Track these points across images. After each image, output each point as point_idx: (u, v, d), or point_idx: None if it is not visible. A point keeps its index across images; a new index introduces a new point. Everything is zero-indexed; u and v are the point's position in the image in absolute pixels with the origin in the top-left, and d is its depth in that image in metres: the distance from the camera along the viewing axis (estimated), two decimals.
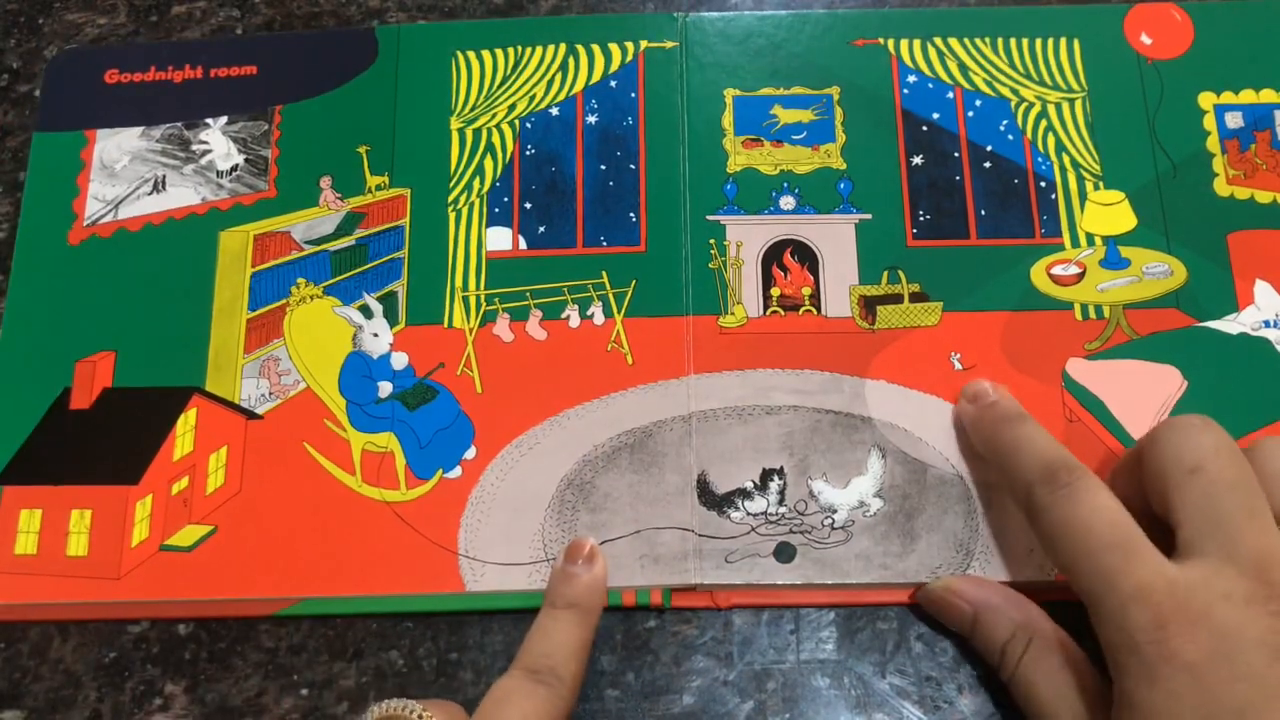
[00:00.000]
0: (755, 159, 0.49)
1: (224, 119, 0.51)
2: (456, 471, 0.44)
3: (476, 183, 0.49)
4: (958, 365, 0.45)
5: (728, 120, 0.49)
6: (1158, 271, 0.46)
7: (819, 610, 0.42)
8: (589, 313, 0.47)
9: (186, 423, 0.46)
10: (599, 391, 0.45)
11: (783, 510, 0.43)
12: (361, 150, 0.50)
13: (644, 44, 0.51)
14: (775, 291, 0.47)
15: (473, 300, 0.47)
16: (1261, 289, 0.46)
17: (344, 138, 0.50)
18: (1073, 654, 0.37)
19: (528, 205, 0.49)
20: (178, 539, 0.44)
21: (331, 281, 0.48)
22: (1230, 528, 0.34)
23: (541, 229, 0.48)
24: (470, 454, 0.44)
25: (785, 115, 0.50)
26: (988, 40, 0.50)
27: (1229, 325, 0.45)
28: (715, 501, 0.43)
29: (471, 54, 0.51)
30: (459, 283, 0.47)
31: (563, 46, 0.51)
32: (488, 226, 0.48)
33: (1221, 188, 0.48)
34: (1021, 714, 0.38)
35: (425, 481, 0.44)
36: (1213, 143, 0.48)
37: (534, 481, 0.44)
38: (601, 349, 0.46)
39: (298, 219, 0.49)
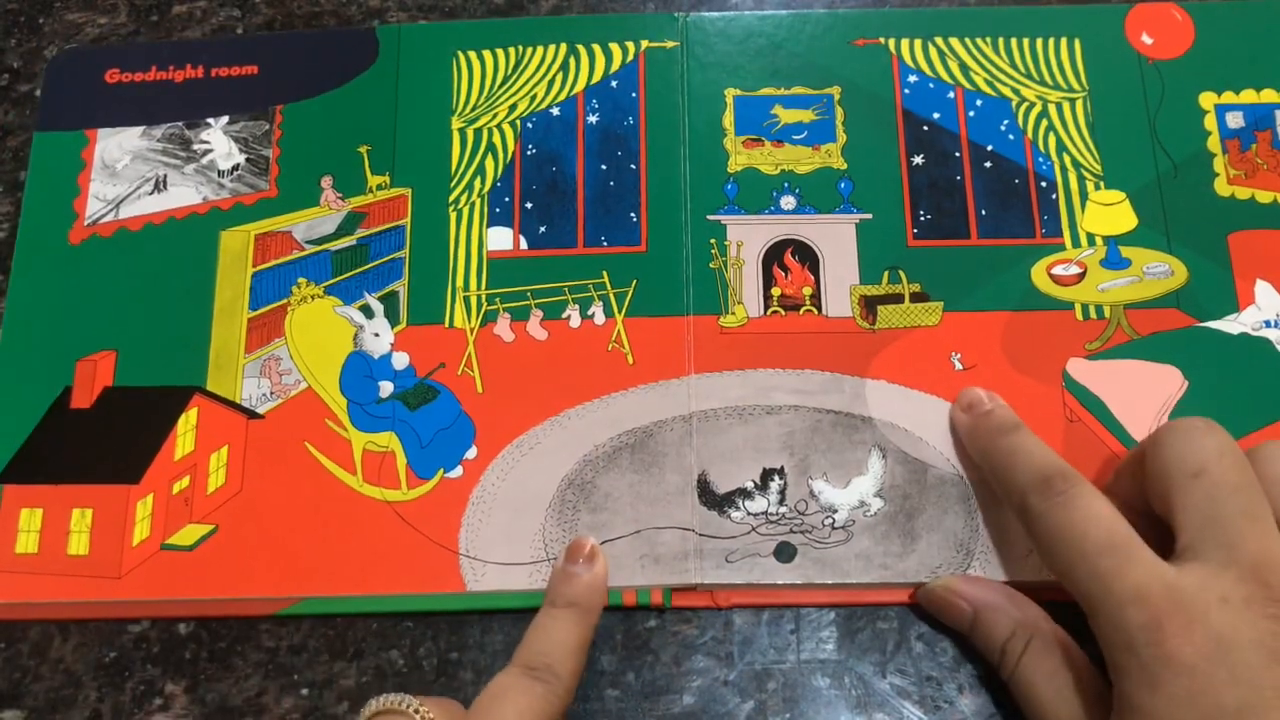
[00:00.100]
0: (756, 159, 0.49)
1: (225, 118, 0.51)
2: (457, 471, 0.44)
3: (477, 182, 0.49)
4: (958, 365, 0.45)
5: (728, 120, 0.49)
6: (1158, 271, 0.46)
7: (819, 610, 0.42)
8: (590, 313, 0.47)
9: (187, 422, 0.46)
10: (600, 391, 0.45)
11: (783, 510, 0.43)
12: (362, 150, 0.50)
13: (645, 44, 0.51)
14: (776, 291, 0.47)
15: (474, 300, 0.47)
16: (1262, 289, 0.46)
17: (345, 137, 0.50)
18: (1073, 654, 0.37)
19: (529, 205, 0.49)
20: (179, 538, 0.44)
21: (332, 281, 0.48)
22: (1231, 531, 0.34)
23: (542, 229, 0.48)
24: (471, 454, 0.44)
25: (786, 115, 0.50)
26: (989, 40, 0.50)
27: (1230, 325, 0.45)
28: (716, 501, 0.43)
29: (472, 54, 0.51)
30: (460, 283, 0.47)
31: (563, 46, 0.51)
32: (489, 226, 0.48)
33: (1222, 188, 0.48)
34: (1021, 713, 0.38)
35: (426, 481, 0.44)
36: (1213, 143, 0.48)
37: (535, 481, 0.44)
38: (602, 349, 0.46)
39: (299, 219, 0.49)
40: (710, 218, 0.48)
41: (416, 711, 0.35)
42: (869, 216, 0.48)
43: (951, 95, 0.50)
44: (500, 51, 0.51)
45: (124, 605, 0.43)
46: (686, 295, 0.47)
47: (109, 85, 0.52)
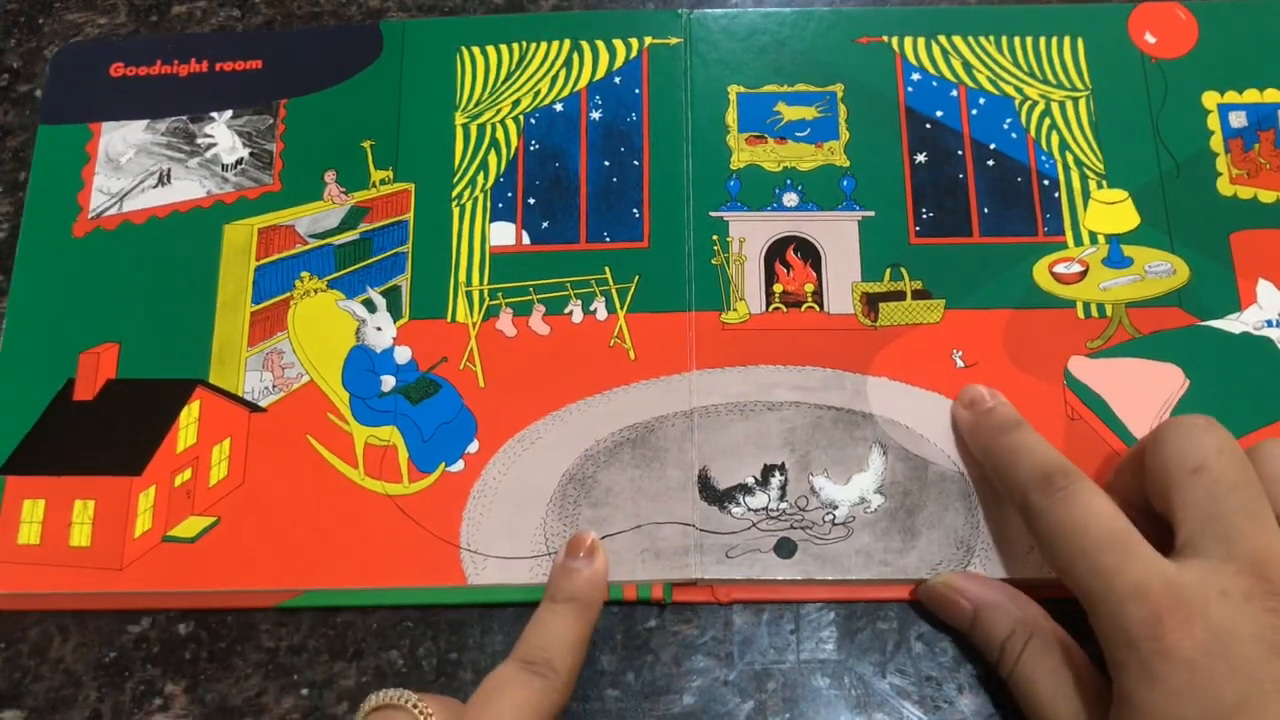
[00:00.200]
0: (759, 156, 0.49)
1: (229, 113, 0.51)
2: (459, 465, 0.44)
3: (480, 178, 0.49)
4: (959, 363, 0.45)
5: (731, 117, 0.49)
6: (1160, 270, 0.46)
7: (819, 610, 0.42)
8: (592, 308, 0.47)
9: (190, 415, 0.46)
10: (601, 386, 0.45)
11: (784, 506, 0.43)
12: (366, 145, 0.50)
13: (648, 40, 0.51)
14: (778, 288, 0.47)
15: (476, 295, 0.47)
16: (1264, 288, 0.46)
17: (348, 132, 0.50)
18: (1072, 652, 0.37)
19: (531, 200, 0.49)
20: (180, 530, 0.44)
21: (335, 275, 0.48)
22: (1231, 528, 0.34)
23: (545, 224, 0.48)
24: (472, 448, 0.45)
25: (789, 112, 0.50)
26: (992, 38, 0.50)
27: (1231, 324, 0.45)
28: (716, 497, 0.43)
29: (476, 49, 0.51)
30: (462, 277, 0.48)
31: (567, 42, 0.51)
32: (491, 221, 0.49)
33: (1225, 187, 0.48)
34: (1020, 712, 0.38)
35: (427, 475, 0.44)
36: (1216, 142, 0.48)
37: (536, 476, 0.44)
38: (604, 344, 0.46)
39: (302, 213, 0.49)
40: (713, 214, 0.48)
41: (415, 706, 0.35)
42: (871, 214, 0.48)
43: (954, 93, 0.50)
44: (504, 47, 0.51)
45: (125, 597, 0.43)
46: (689, 291, 0.47)
47: (113, 79, 0.52)
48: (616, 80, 0.50)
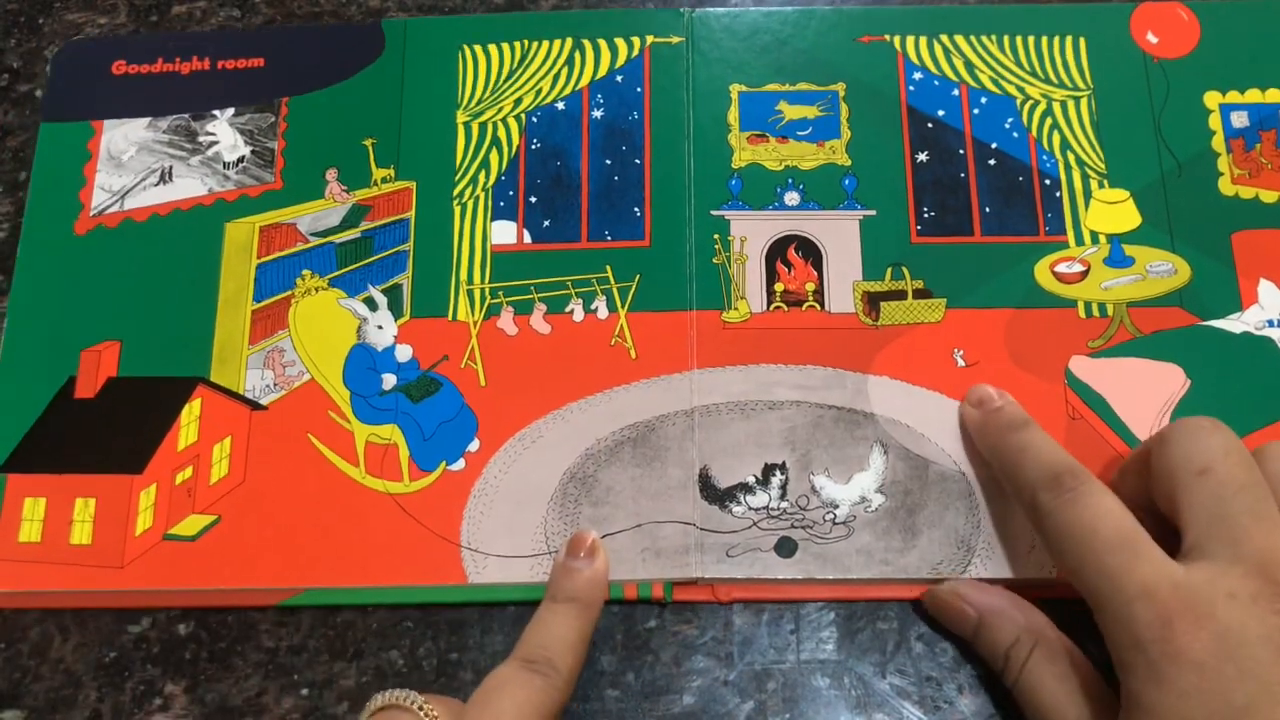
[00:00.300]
0: (760, 154, 0.49)
1: (231, 111, 0.51)
2: (459, 464, 0.44)
3: (482, 176, 0.49)
4: (960, 362, 0.45)
5: (733, 116, 0.49)
6: (1162, 270, 0.46)
7: (819, 610, 0.42)
8: (593, 307, 0.47)
9: (191, 413, 0.46)
10: (602, 385, 0.45)
11: (784, 505, 0.43)
12: (367, 143, 0.50)
13: (650, 39, 0.51)
14: (779, 287, 0.47)
15: (477, 293, 0.47)
16: (1265, 288, 0.46)
17: (350, 130, 0.50)
18: (1077, 660, 0.37)
19: (533, 199, 0.49)
20: (181, 528, 0.44)
21: (337, 274, 0.48)
22: (1237, 529, 0.34)
23: (546, 223, 0.48)
24: (473, 446, 0.45)
25: (790, 111, 0.50)
26: (994, 38, 0.50)
27: (1232, 324, 0.45)
28: (717, 496, 0.43)
29: (478, 48, 0.51)
30: (463, 276, 0.48)
31: (569, 41, 0.51)
32: (492, 220, 0.49)
33: (1226, 187, 0.48)
34: (1023, 717, 0.38)
35: (428, 473, 0.44)
36: (1218, 142, 0.48)
37: (536, 474, 0.44)
38: (605, 343, 0.46)
39: (303, 211, 0.49)
40: (714, 213, 0.48)
41: (420, 707, 0.35)
42: (873, 213, 0.48)
43: (956, 93, 0.50)
44: (505, 46, 0.51)
45: (126, 595, 0.43)
46: (690, 290, 0.47)
47: (115, 77, 0.52)
48: (618, 79, 0.50)
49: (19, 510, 0.44)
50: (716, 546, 0.42)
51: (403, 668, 0.42)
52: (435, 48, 0.51)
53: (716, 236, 0.48)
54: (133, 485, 0.44)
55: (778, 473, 0.44)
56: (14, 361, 0.47)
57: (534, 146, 0.50)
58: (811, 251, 0.48)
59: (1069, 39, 0.50)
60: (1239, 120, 0.49)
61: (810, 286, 0.47)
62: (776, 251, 0.48)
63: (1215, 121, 0.49)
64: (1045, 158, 0.49)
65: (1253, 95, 0.49)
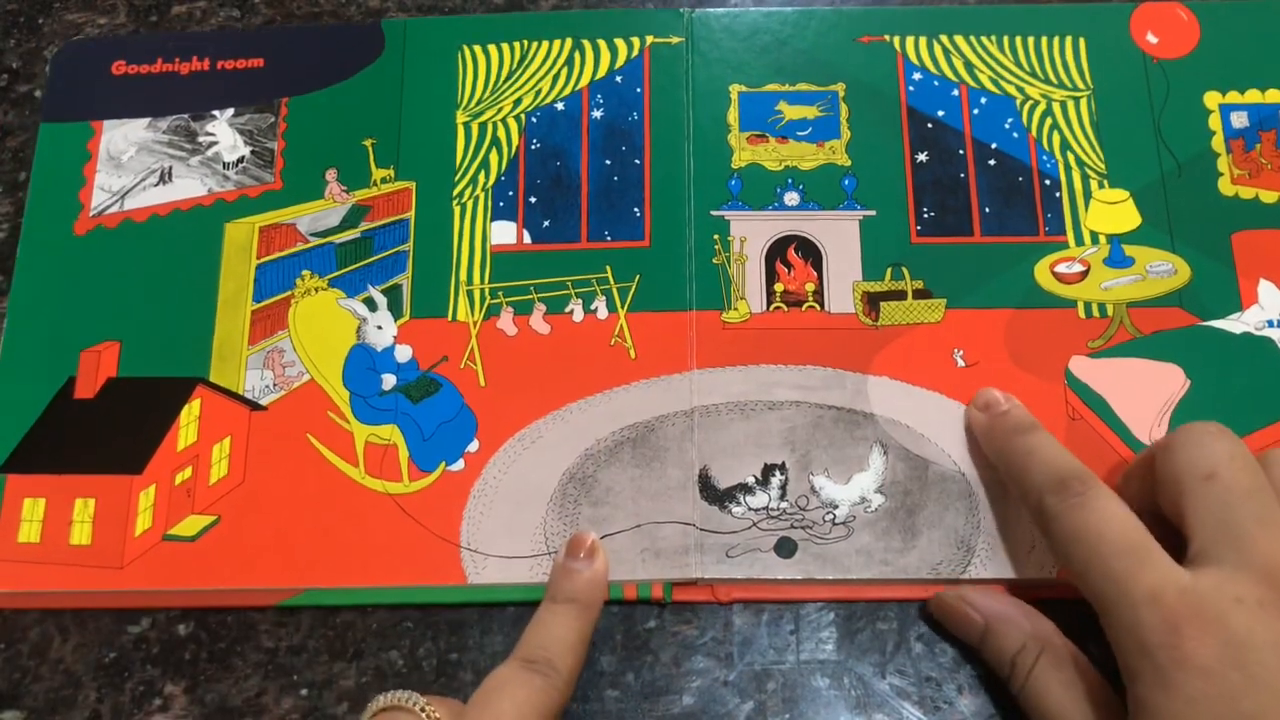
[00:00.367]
0: (760, 155, 0.49)
1: (230, 111, 0.51)
2: (459, 464, 0.44)
3: (481, 176, 0.49)
4: (960, 362, 0.45)
5: (733, 116, 0.49)
6: (1161, 270, 0.46)
7: (819, 610, 0.42)
8: (592, 307, 0.47)
9: (190, 413, 0.46)
10: (602, 386, 0.45)
11: (784, 505, 0.43)
12: (367, 143, 0.50)
13: (650, 39, 0.51)
14: (779, 287, 0.47)
15: (477, 294, 0.47)
16: (1265, 289, 0.46)
17: (350, 130, 0.50)
18: (1083, 667, 0.37)
19: (532, 199, 0.49)
20: (181, 529, 0.44)
21: (336, 274, 0.48)
22: (1244, 535, 0.33)
23: (546, 223, 0.48)
24: (473, 447, 0.45)
25: (790, 111, 0.50)
26: (993, 38, 0.50)
27: (1232, 325, 0.45)
28: (717, 496, 0.43)
29: (478, 48, 0.51)
30: (463, 276, 0.48)
31: (569, 41, 0.51)
32: (492, 220, 0.49)
33: (1226, 187, 0.48)
34: (1021, 714, 0.38)
35: (428, 474, 0.44)
36: (1218, 142, 0.48)
37: (536, 475, 0.44)
38: (605, 343, 0.46)
39: (303, 211, 0.49)
40: (714, 213, 0.48)
41: (421, 709, 0.35)
42: (872, 213, 0.48)
43: (956, 93, 0.50)
44: (505, 46, 0.51)
45: (126, 595, 0.43)
46: (689, 290, 0.47)
47: (115, 77, 0.52)
48: (618, 79, 0.50)
49: (18, 510, 0.44)
50: (716, 547, 0.42)
51: (402, 668, 0.42)
52: (435, 48, 0.51)
53: (716, 237, 0.48)
54: (132, 486, 0.44)
55: (777, 473, 0.44)
56: (14, 361, 0.47)
57: (534, 147, 0.50)
58: (811, 252, 0.48)
59: (1069, 39, 0.50)
60: (1239, 120, 0.49)
61: (810, 287, 0.47)
62: (776, 252, 0.48)
63: (1215, 122, 0.49)
64: (1045, 158, 0.49)
65: (1253, 95, 0.49)
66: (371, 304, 0.47)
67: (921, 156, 0.49)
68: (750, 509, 0.43)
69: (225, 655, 0.43)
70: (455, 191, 0.49)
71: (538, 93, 0.50)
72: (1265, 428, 0.44)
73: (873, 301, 0.46)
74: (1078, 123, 0.49)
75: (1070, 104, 0.49)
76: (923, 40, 0.50)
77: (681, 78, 0.50)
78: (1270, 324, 0.45)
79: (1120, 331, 0.45)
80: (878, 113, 0.49)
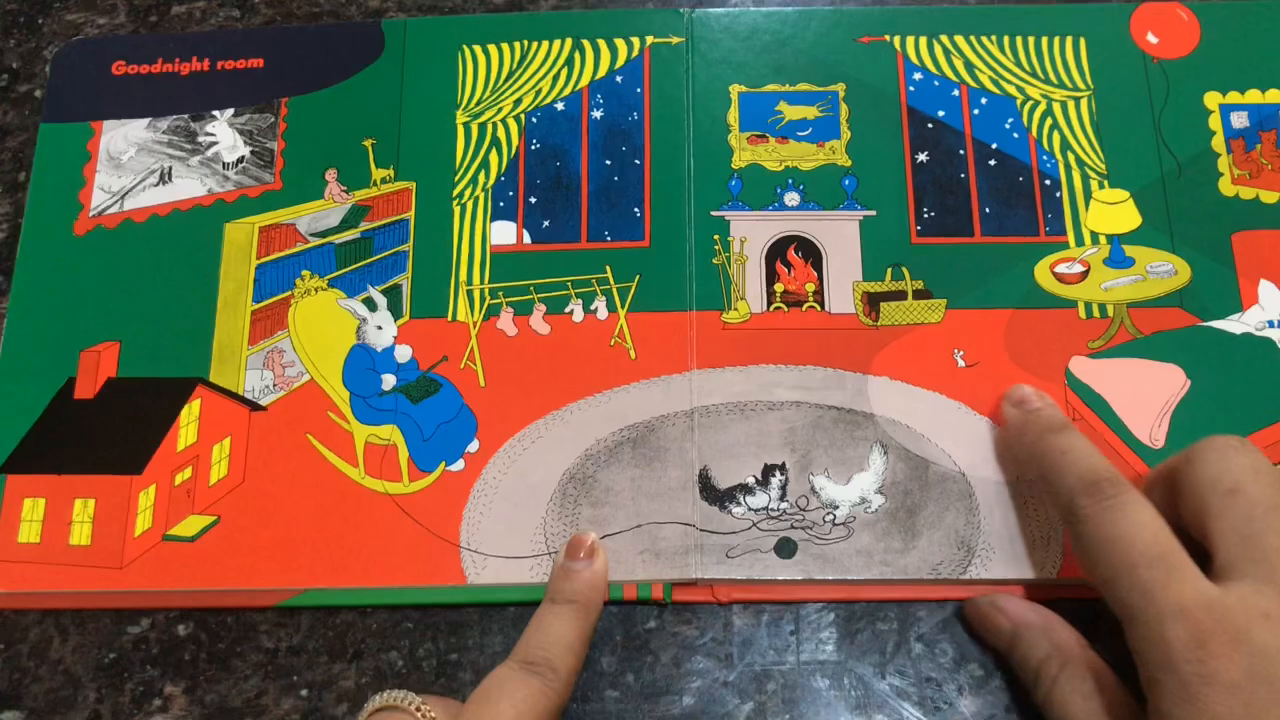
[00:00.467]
0: (760, 155, 0.49)
1: (230, 111, 0.51)
2: (459, 464, 0.44)
3: (481, 177, 0.49)
4: (960, 362, 0.45)
5: (733, 116, 0.49)
6: (1162, 270, 0.46)
7: (819, 611, 0.42)
8: (592, 307, 0.47)
9: (190, 413, 0.46)
10: (602, 386, 0.45)
11: (784, 506, 0.43)
12: (367, 143, 0.50)
13: (650, 39, 0.51)
14: (779, 287, 0.47)
15: (476, 294, 0.47)
16: (1266, 289, 0.46)
17: (350, 131, 0.50)
18: (1106, 680, 0.37)
19: (532, 200, 0.49)
20: (180, 529, 0.44)
21: (336, 274, 0.48)
22: (1269, 549, 0.33)
23: (546, 223, 0.48)
24: (473, 447, 0.44)
25: (790, 111, 0.50)
26: (994, 38, 0.50)
27: (1233, 325, 0.45)
28: (717, 497, 0.43)
29: (478, 48, 0.51)
30: (463, 276, 0.48)
31: (569, 41, 0.51)
32: (492, 220, 0.48)
33: (1226, 187, 0.48)
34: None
35: (428, 474, 0.44)
36: (1218, 142, 0.48)
37: (536, 475, 0.44)
38: (605, 343, 0.46)
39: (303, 211, 0.49)
40: (714, 213, 0.48)
41: (418, 708, 0.35)
42: (873, 213, 0.48)
43: (956, 93, 0.50)
44: (505, 46, 0.51)
45: (125, 596, 0.43)
46: (689, 291, 0.47)
47: (115, 77, 0.52)
48: (618, 79, 0.50)
49: (18, 511, 0.44)
50: (716, 547, 0.42)
51: (402, 669, 0.42)
52: (435, 48, 0.51)
53: (716, 237, 0.48)
54: (132, 486, 0.44)
55: (777, 473, 0.44)
56: (14, 362, 0.47)
57: (534, 147, 0.50)
58: (811, 252, 0.48)
59: (1069, 39, 0.50)
60: (1239, 121, 0.49)
61: (810, 287, 0.47)
62: (776, 252, 0.48)
63: (1215, 122, 0.49)
64: (1045, 158, 0.49)
65: (1253, 96, 0.49)
66: (371, 304, 0.47)
67: (922, 157, 0.49)
68: (750, 509, 0.43)
69: (225, 656, 0.43)
70: (455, 192, 0.49)
71: (538, 93, 0.50)
72: (1265, 428, 0.44)
73: (873, 302, 0.46)
74: (1078, 123, 0.49)
75: (1070, 104, 0.49)
76: (923, 40, 0.50)
77: (682, 78, 0.50)
78: (1270, 324, 0.45)
79: (1120, 332, 0.45)
80: (878, 113, 0.49)
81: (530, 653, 0.37)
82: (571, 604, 0.39)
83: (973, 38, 0.50)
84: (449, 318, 0.47)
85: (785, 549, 0.42)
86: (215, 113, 0.51)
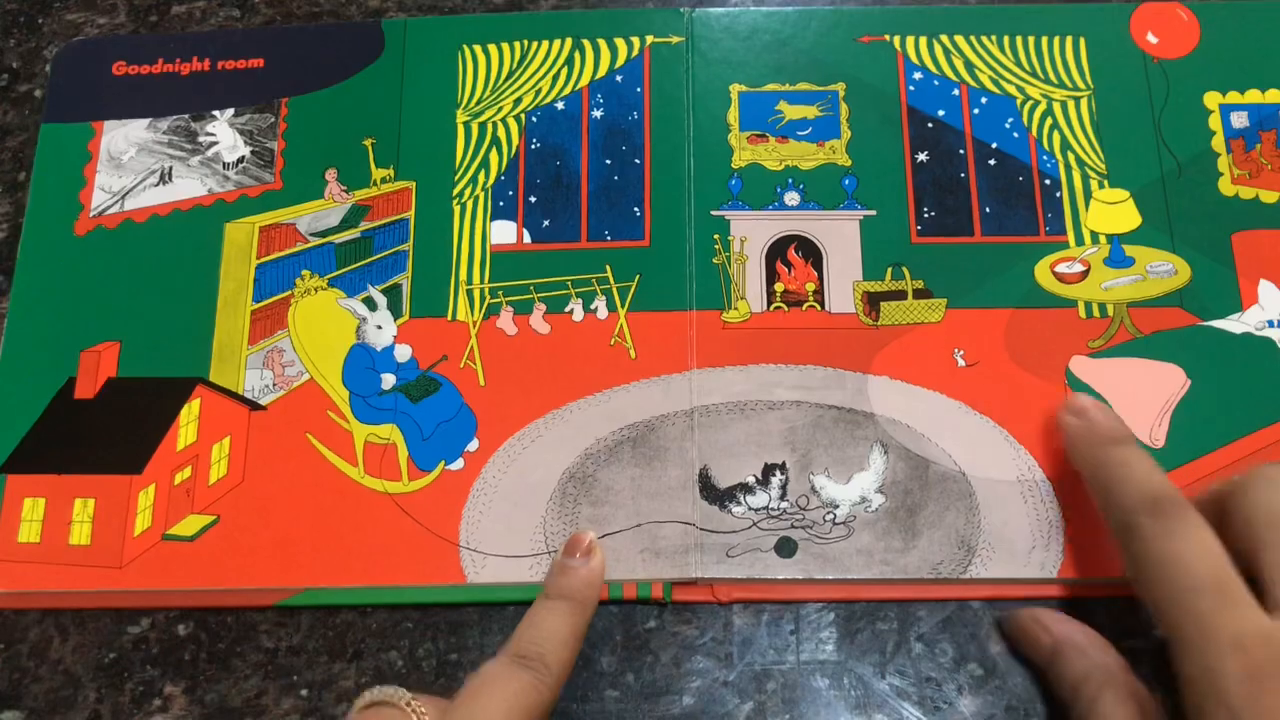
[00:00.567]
0: (760, 154, 0.49)
1: (231, 111, 0.51)
2: (458, 463, 0.44)
3: (481, 176, 0.49)
4: (961, 362, 0.45)
5: (733, 116, 0.49)
6: (1162, 270, 0.46)
7: (819, 610, 0.42)
8: (592, 306, 0.47)
9: (190, 413, 0.46)
10: (602, 385, 0.45)
11: (784, 505, 0.43)
12: (367, 143, 0.50)
13: (650, 39, 0.51)
14: (779, 287, 0.47)
15: (476, 293, 0.47)
16: (1265, 289, 0.46)
17: (350, 130, 0.50)
18: (1147, 706, 0.36)
19: (532, 199, 0.49)
20: (180, 529, 0.44)
21: (336, 274, 0.48)
22: None
23: (546, 223, 0.48)
24: (472, 446, 0.44)
25: (791, 111, 0.50)
26: (994, 38, 0.50)
27: (1233, 325, 0.45)
28: (717, 496, 0.43)
29: (478, 47, 0.51)
30: (463, 276, 0.48)
31: (569, 41, 0.51)
32: (492, 220, 0.49)
33: (1226, 187, 0.48)
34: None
35: (427, 473, 0.44)
36: (1218, 142, 0.48)
37: (536, 474, 0.44)
38: (604, 343, 0.46)
39: (303, 211, 0.49)
40: (714, 213, 0.48)
41: (408, 704, 0.35)
42: (873, 213, 0.48)
43: (956, 93, 0.50)
44: (505, 45, 0.51)
45: (125, 595, 0.43)
46: (689, 290, 0.47)
47: (116, 78, 0.52)
48: (618, 79, 0.50)
49: (18, 510, 0.44)
50: (716, 546, 0.42)
51: (402, 668, 0.42)
52: (435, 48, 0.51)
53: (716, 236, 0.48)
54: (132, 485, 0.44)
55: (778, 473, 0.44)
56: (14, 362, 0.47)
57: (534, 146, 0.50)
58: (811, 251, 0.48)
59: (1069, 39, 0.50)
60: (1239, 120, 0.49)
61: (810, 286, 0.47)
62: (776, 251, 0.48)
63: (1215, 122, 0.49)
64: (1045, 158, 0.49)
65: (1253, 95, 0.49)
66: (371, 303, 0.47)
67: (922, 156, 0.49)
68: (750, 509, 0.43)
69: (225, 655, 0.43)
70: (455, 191, 0.49)
71: (538, 92, 0.50)
72: (1265, 428, 0.43)
73: (873, 301, 0.46)
74: (1078, 123, 0.49)
75: (1070, 104, 0.49)
76: (923, 40, 0.50)
77: (682, 77, 0.50)
78: (1270, 324, 0.45)
79: (1120, 331, 0.45)
80: (878, 112, 0.49)
81: (523, 647, 0.37)
82: (566, 600, 0.39)
83: (973, 37, 0.50)
84: (449, 317, 0.47)
85: (785, 548, 0.42)
86: (215, 113, 0.51)
